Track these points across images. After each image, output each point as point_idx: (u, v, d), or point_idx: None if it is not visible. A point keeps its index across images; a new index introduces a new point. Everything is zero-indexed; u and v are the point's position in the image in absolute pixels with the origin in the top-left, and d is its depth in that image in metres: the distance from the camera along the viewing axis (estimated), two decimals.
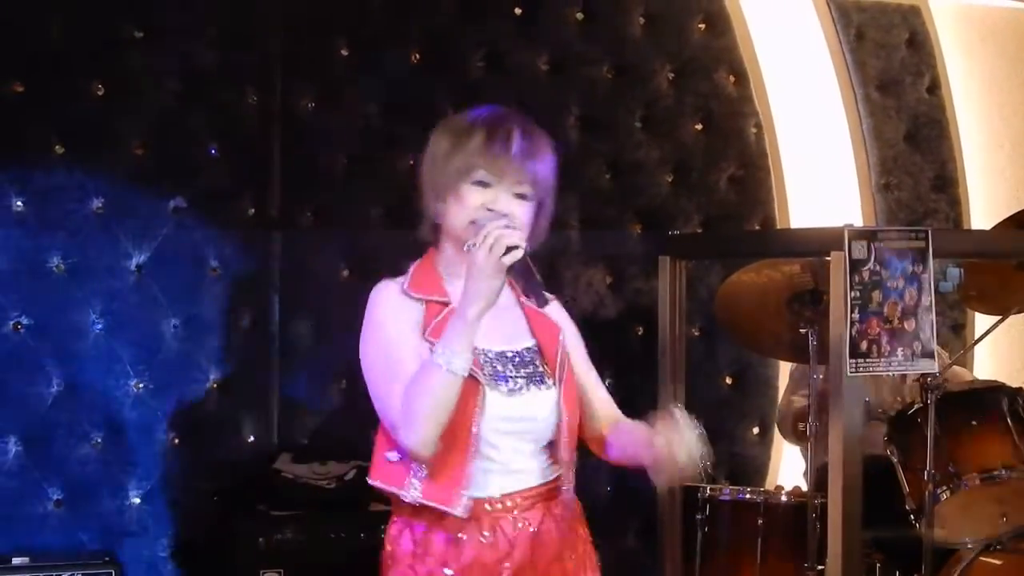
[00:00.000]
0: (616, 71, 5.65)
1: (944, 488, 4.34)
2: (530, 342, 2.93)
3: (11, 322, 4.88)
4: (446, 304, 2.85)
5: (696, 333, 5.04)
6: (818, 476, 4.47)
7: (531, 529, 2.88)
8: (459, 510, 2.77)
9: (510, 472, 2.85)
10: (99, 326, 4.98)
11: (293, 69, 5.13)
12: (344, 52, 5.24)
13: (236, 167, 5.12)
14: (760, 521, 4.66)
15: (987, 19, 6.05)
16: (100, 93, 4.97)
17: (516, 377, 2.87)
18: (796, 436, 4.99)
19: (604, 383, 5.64)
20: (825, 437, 4.16)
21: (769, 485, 5.43)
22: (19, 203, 4.90)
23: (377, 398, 2.83)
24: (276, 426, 5.17)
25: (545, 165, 2.88)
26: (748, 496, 4.79)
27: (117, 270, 5.01)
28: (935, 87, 6.04)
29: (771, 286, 4.64)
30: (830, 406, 4.04)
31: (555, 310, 3.01)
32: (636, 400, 5.07)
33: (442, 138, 2.89)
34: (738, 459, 5.78)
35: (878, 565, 4.73)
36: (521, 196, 2.82)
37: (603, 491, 5.51)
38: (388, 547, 2.95)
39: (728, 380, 5.79)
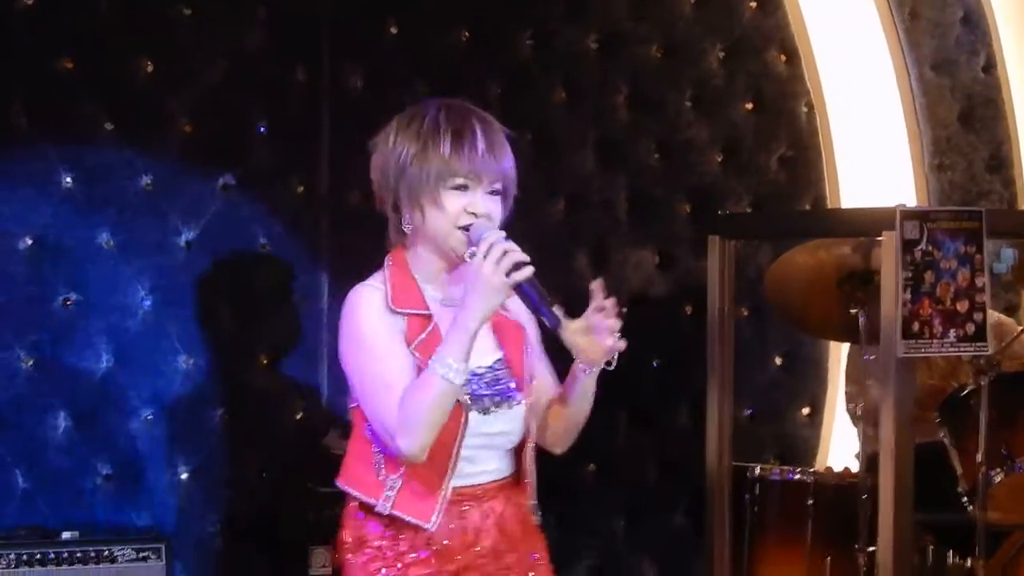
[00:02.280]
0: (665, 50, 5.65)
1: (998, 471, 4.35)
2: (497, 355, 2.99)
3: (60, 298, 4.88)
4: (428, 317, 2.90)
5: (745, 313, 5.04)
6: (869, 458, 4.45)
7: (495, 517, 2.98)
8: (431, 526, 2.87)
9: (479, 473, 2.94)
10: (148, 302, 4.99)
11: (342, 47, 5.14)
12: (393, 30, 5.23)
13: (285, 145, 5.13)
14: (810, 502, 4.71)
15: None
16: (149, 70, 4.96)
17: (488, 395, 2.93)
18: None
19: (652, 364, 5.72)
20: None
21: (819, 466, 5.42)
22: (68, 180, 4.90)
23: (369, 405, 2.87)
24: (325, 403, 5.18)
25: (509, 157, 2.92)
26: (798, 476, 4.85)
27: (166, 247, 5.02)
28: (990, 66, 6.04)
29: (822, 267, 4.64)
30: (881, 387, 4.02)
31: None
32: (686, 381, 5.13)
33: (406, 142, 2.90)
34: (788, 440, 5.80)
35: (930, 548, 4.74)
36: (495, 193, 2.88)
37: (651, 470, 5.57)
38: (350, 530, 3.03)
39: (778, 361, 5.81)
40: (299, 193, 5.12)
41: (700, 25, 5.68)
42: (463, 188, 2.84)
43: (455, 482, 2.88)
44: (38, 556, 4.57)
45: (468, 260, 2.76)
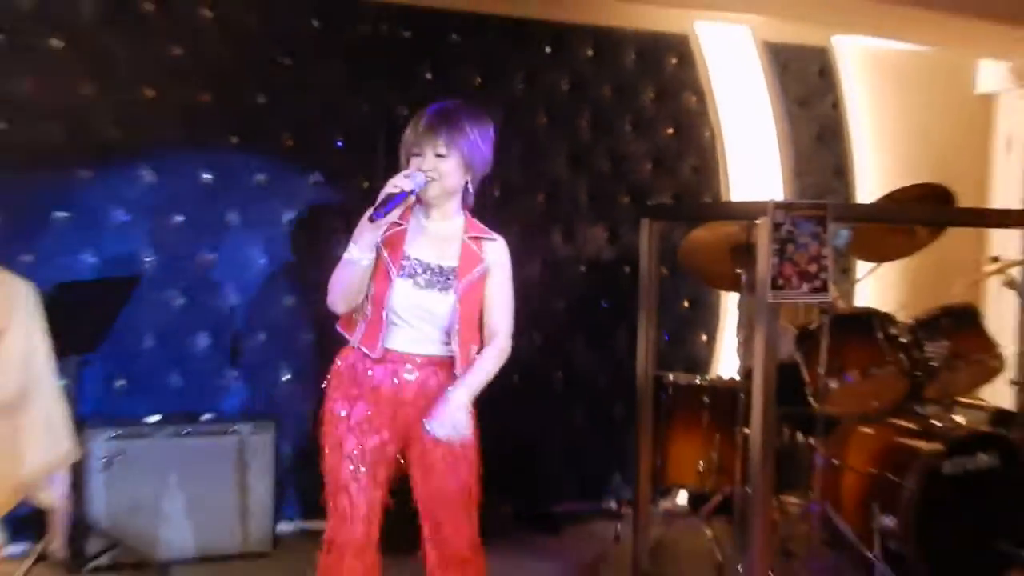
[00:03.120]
0: (614, 90, 5.64)
1: (833, 380, 4.35)
2: (453, 263, 3.05)
3: (204, 255, 4.97)
4: (399, 224, 3.06)
5: (665, 272, 5.02)
6: (746, 369, 4.47)
7: (419, 379, 3.05)
8: (375, 353, 3.01)
9: (414, 340, 3.03)
10: (262, 261, 5.08)
11: (394, 88, 5.14)
12: (428, 76, 5.26)
13: (354, 155, 5.15)
14: (706, 399, 4.76)
15: (876, 54, 6.02)
16: (262, 102, 5.02)
17: (425, 279, 3.03)
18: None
19: (602, 305, 5.72)
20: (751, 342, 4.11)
21: (712, 375, 5.41)
22: (206, 176, 4.96)
23: None
24: None
25: (454, 133, 2.99)
26: (698, 382, 4.89)
27: (274, 223, 5.09)
28: (836, 104, 6.03)
29: (718, 240, 4.67)
30: (756, 322, 3.95)
31: (495, 248, 3.14)
32: (625, 317, 5.21)
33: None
34: (692, 357, 5.81)
35: (786, 430, 4.84)
36: (440, 155, 2.99)
37: (600, 377, 5.63)
38: (334, 365, 3.16)
39: (686, 304, 5.83)
40: (363, 188, 5.11)
41: (639, 74, 5.67)
42: (418, 155, 3.01)
43: (396, 346, 3.02)
44: (187, 431, 4.64)
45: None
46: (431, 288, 3.04)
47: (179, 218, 4.93)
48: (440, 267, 3.06)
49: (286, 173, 5.09)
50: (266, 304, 5.09)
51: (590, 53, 5.61)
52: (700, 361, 5.85)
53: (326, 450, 3.10)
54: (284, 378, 5.14)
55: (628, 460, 5.14)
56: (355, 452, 3.04)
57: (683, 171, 5.82)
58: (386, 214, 2.90)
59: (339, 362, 3.15)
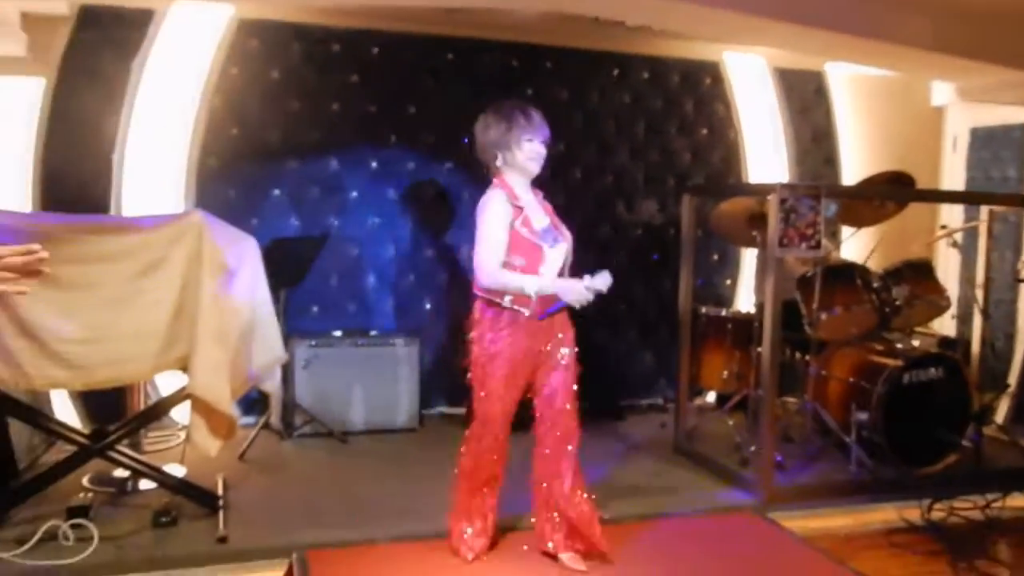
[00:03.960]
0: (664, 103, 5.49)
1: (824, 312, 4.29)
2: (547, 220, 2.96)
3: (371, 220, 4.95)
4: (521, 208, 2.88)
5: (700, 234, 4.97)
6: (759, 305, 4.37)
7: (550, 315, 2.89)
8: (529, 310, 2.86)
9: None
10: (411, 224, 5.04)
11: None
12: (529, 92, 5.10)
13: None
14: (729, 325, 4.69)
15: (856, 77, 5.79)
16: (412, 112, 5.00)
17: (550, 239, 2.91)
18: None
19: (654, 257, 5.67)
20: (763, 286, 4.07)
21: (734, 309, 5.15)
22: (374, 164, 4.99)
23: (478, 253, 2.86)
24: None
25: (546, 130, 2.93)
26: (724, 313, 4.80)
27: (420, 197, 5.03)
28: (827, 112, 5.79)
29: (740, 210, 4.56)
30: (767, 271, 3.92)
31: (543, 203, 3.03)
32: (669, 266, 5.10)
33: (496, 119, 2.93)
34: (719, 296, 5.67)
35: (787, 350, 4.72)
36: (543, 142, 2.93)
37: (651, 309, 5.52)
38: (476, 315, 2.96)
39: (715, 257, 5.70)
40: (482, 173, 5.08)
41: (682, 90, 5.52)
42: (530, 140, 2.89)
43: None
44: (360, 342, 4.69)
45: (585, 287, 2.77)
46: (554, 244, 2.94)
47: (354, 194, 4.99)
48: (547, 228, 2.96)
49: (428, 162, 5.08)
50: (413, 255, 5.10)
51: (646, 75, 5.49)
52: (725, 298, 5.72)
53: (480, 369, 2.96)
54: (426, 307, 5.15)
55: (671, 369, 5.10)
56: (508, 375, 2.92)
57: (714, 161, 5.68)
58: (551, 314, 2.86)
59: (477, 314, 2.98)
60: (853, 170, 5.86)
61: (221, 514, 3.40)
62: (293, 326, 4.68)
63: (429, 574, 2.99)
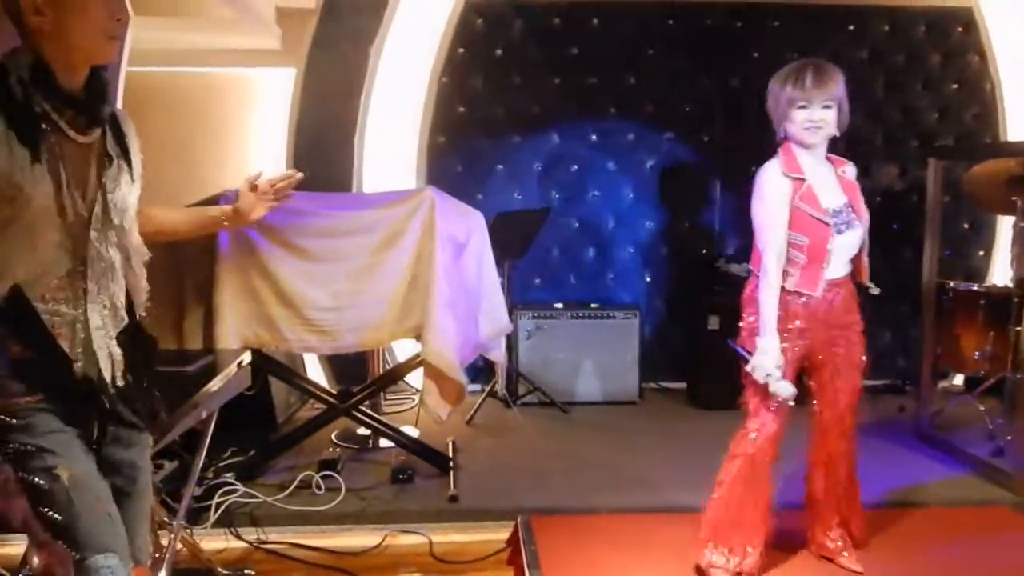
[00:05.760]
0: (907, 58, 5.09)
1: None
2: (844, 199, 2.61)
3: (591, 193, 5.03)
4: (803, 179, 2.55)
5: (947, 199, 4.59)
6: (1018, 278, 4.05)
7: (838, 297, 2.65)
8: (817, 292, 2.59)
9: (835, 267, 2.61)
10: (631, 196, 5.07)
11: (729, 65, 4.92)
12: (755, 55, 4.94)
13: (696, 117, 5.01)
14: (982, 302, 4.25)
15: None
16: (632, 82, 4.99)
17: (842, 223, 2.58)
18: None
19: (893, 228, 5.30)
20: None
21: (988, 282, 4.88)
22: (593, 136, 5.02)
23: (759, 239, 2.58)
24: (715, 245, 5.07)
25: (833, 84, 2.52)
26: (976, 288, 4.40)
27: (639, 169, 5.06)
28: None
29: (997, 173, 4.15)
30: None
31: (852, 173, 2.67)
32: (911, 237, 4.82)
33: (775, 85, 2.57)
34: (970, 268, 5.23)
35: None
36: (827, 107, 2.53)
37: (890, 283, 5.18)
38: (746, 293, 2.65)
39: (965, 225, 5.24)
40: (704, 141, 5.00)
41: (928, 43, 5.11)
42: (804, 106, 2.52)
43: (832, 275, 2.61)
44: (581, 313, 4.73)
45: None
46: (847, 229, 2.61)
47: (574, 167, 5.05)
48: (841, 209, 2.61)
49: (648, 132, 5.06)
50: (634, 227, 5.10)
51: (885, 28, 5.10)
52: (977, 271, 5.25)
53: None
54: (646, 280, 5.15)
55: (911, 347, 4.83)
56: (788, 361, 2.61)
57: (966, 119, 5.20)
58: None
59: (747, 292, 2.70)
60: None
61: (452, 475, 3.61)
62: (517, 297, 4.80)
63: (652, 548, 2.98)
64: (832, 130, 2.57)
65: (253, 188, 1.95)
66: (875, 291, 2.70)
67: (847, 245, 2.64)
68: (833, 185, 2.63)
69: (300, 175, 1.92)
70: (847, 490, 2.86)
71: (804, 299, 2.62)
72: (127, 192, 1.67)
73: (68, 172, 1.56)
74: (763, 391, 2.59)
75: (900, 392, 4.99)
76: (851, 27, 5.06)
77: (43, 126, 1.53)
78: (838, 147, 5.35)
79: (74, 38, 1.53)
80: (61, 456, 1.56)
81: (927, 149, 4.71)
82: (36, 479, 1.54)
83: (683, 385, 4.93)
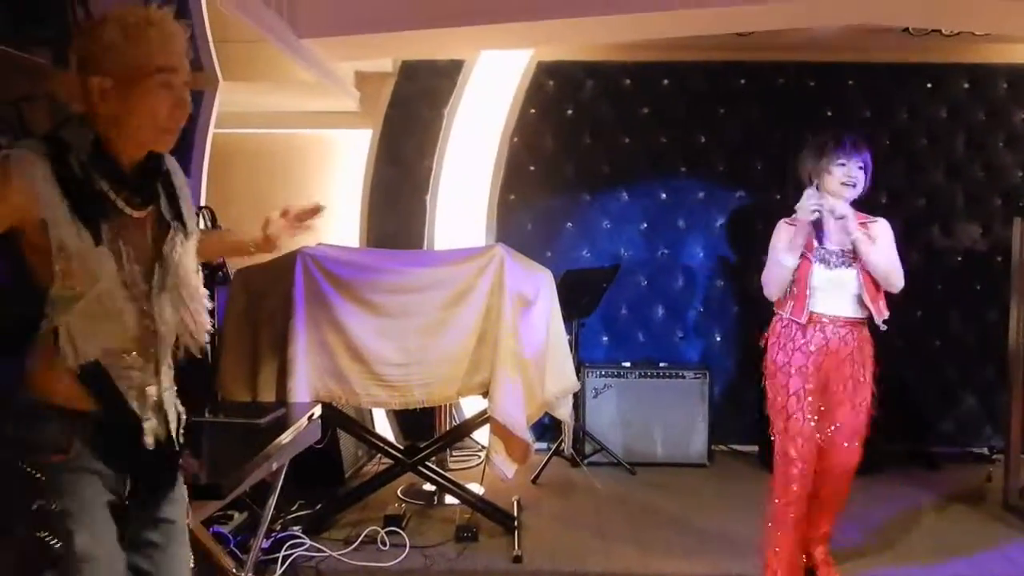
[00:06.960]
0: (988, 114, 4.96)
1: None
2: (849, 246, 2.97)
3: (660, 251, 5.01)
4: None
5: None
6: None
7: (841, 337, 2.95)
8: (803, 319, 2.95)
9: (832, 305, 2.95)
10: (701, 254, 5.03)
11: (802, 123, 4.78)
12: (828, 113, 4.91)
13: (768, 175, 4.93)
14: None
15: None
16: (703, 141, 4.96)
17: (835, 261, 2.95)
18: None
19: (975, 288, 5.13)
20: None
21: None
22: (663, 194, 5.01)
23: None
24: None
25: (866, 150, 2.99)
26: None
27: (710, 228, 5.03)
28: None
29: None
30: None
31: (881, 228, 3.04)
32: (997, 297, 4.58)
33: (813, 147, 3.05)
34: None
35: None
36: (860, 168, 2.97)
37: (975, 348, 4.96)
38: (771, 327, 3.10)
39: None
40: (776, 199, 4.85)
41: (1011, 99, 4.96)
42: (843, 164, 2.96)
43: (819, 309, 2.94)
44: (649, 372, 4.69)
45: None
46: (840, 267, 2.98)
47: (644, 225, 5.05)
48: (843, 251, 3.00)
49: (719, 190, 5.04)
50: (704, 285, 5.06)
51: (965, 85, 5.00)
52: None
53: (771, 394, 3.08)
54: (716, 339, 5.08)
55: (998, 413, 4.63)
56: (800, 389, 2.98)
57: None
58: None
59: (772, 327, 3.12)
60: None
61: (516, 534, 3.57)
62: (585, 355, 4.78)
63: None
64: (861, 189, 3.00)
65: (284, 214, 2.04)
66: (884, 327, 2.96)
67: (835, 281, 2.95)
68: (839, 232, 3.00)
69: (324, 206, 2.03)
70: (818, 516, 3.12)
71: (802, 329, 2.98)
72: (183, 252, 1.72)
73: (128, 248, 1.62)
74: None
75: (988, 461, 4.74)
76: (929, 85, 4.99)
77: (103, 205, 1.58)
78: (918, 206, 5.28)
79: (132, 127, 1.59)
80: (81, 522, 1.55)
81: (1011, 207, 4.59)
82: (51, 540, 1.53)
83: (755, 448, 4.80)
